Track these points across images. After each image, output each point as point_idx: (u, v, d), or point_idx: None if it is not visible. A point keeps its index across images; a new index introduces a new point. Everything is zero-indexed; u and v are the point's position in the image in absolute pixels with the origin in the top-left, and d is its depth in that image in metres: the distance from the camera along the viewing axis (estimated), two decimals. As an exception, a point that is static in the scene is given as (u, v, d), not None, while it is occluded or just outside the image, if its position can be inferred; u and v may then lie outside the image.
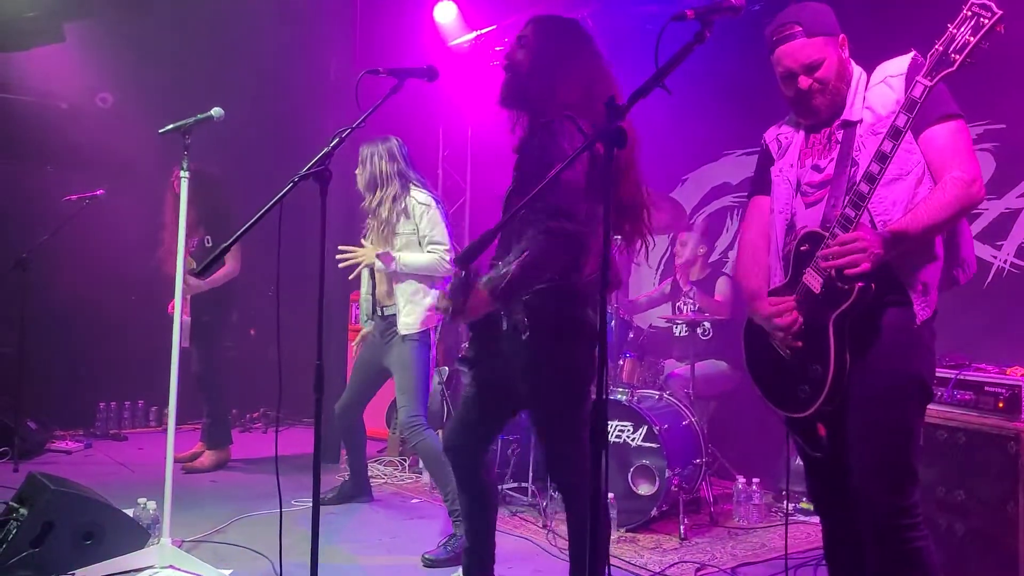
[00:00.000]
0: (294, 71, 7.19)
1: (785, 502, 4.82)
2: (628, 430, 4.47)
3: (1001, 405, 3.27)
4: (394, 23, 7.38)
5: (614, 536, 4.26)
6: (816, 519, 4.63)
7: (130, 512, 3.85)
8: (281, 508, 2.74)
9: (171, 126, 3.70)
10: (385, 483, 5.49)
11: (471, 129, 7.88)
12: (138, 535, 3.68)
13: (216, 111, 3.72)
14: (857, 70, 2.59)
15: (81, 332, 6.85)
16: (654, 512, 4.35)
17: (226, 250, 2.42)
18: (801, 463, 4.96)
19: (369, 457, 5.95)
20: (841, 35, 2.58)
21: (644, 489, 4.39)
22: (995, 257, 4.60)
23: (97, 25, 6.74)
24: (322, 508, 4.67)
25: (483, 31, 7.18)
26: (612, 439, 4.50)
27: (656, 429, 4.35)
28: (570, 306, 2.64)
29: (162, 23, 6.87)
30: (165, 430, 6.87)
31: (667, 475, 4.29)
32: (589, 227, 2.52)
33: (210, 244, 5.60)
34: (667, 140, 6.01)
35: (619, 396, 4.58)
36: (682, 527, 4.30)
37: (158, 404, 7.19)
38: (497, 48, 7.29)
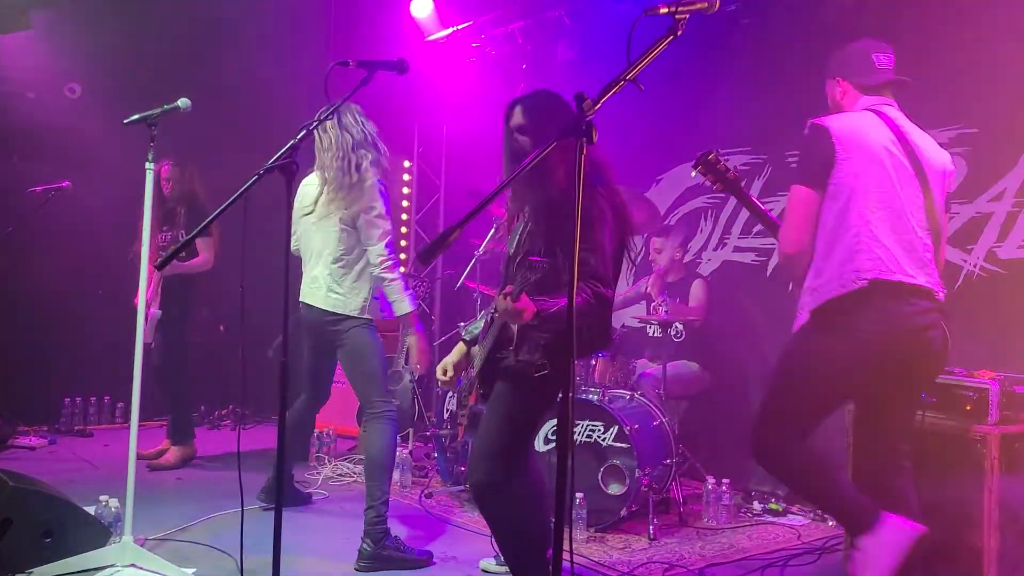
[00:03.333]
0: (269, 63, 7.12)
1: (755, 503, 4.88)
2: (599, 430, 4.45)
3: (969, 408, 3.28)
4: (370, 17, 7.34)
5: (583, 536, 4.25)
6: (783, 520, 4.68)
7: (92, 510, 3.78)
8: (243, 506, 2.70)
9: (136, 116, 3.62)
10: (355, 481, 5.43)
11: (446, 126, 7.84)
12: (99, 533, 3.60)
13: (183, 101, 3.66)
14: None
15: (47, 326, 6.73)
16: (624, 512, 4.34)
17: (187, 243, 2.37)
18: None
19: (340, 455, 5.93)
20: (835, 78, 3.03)
21: (614, 489, 4.37)
22: (965, 261, 4.62)
23: (66, 14, 6.63)
24: (288, 509, 4.64)
25: (459, 27, 7.15)
26: (583, 438, 4.48)
27: (627, 429, 4.33)
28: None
29: (132, 13, 6.78)
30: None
31: (637, 475, 4.27)
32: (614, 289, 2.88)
33: (182, 239, 5.56)
34: (642, 140, 6.02)
35: (591, 396, 4.56)
36: (651, 527, 4.29)
37: (125, 400, 7.09)
38: (473, 44, 7.27)
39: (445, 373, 3.29)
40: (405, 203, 8.03)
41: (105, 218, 6.25)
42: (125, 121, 3.65)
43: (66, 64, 6.79)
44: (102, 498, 3.89)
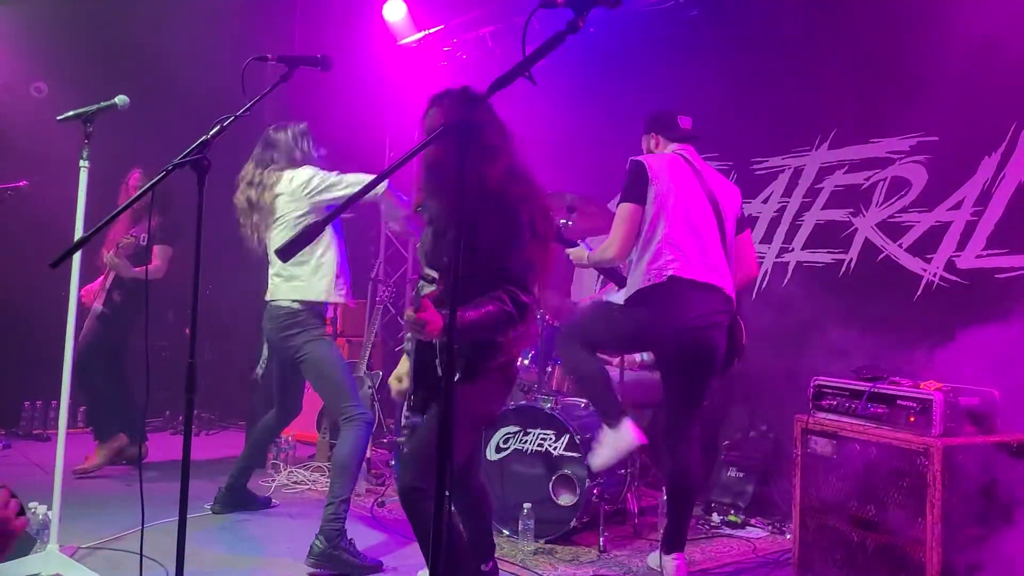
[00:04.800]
0: (235, 69, 7.04)
1: (713, 515, 4.81)
2: (550, 438, 4.36)
3: (912, 419, 3.21)
4: (341, 19, 7.27)
5: (531, 547, 4.16)
6: (741, 532, 4.60)
7: (21, 517, 3.68)
8: (143, 524, 2.63)
9: (71, 113, 3.55)
10: (309, 489, 5.33)
11: (418, 131, 7.74)
12: (24, 541, 3.50)
13: (120, 99, 3.58)
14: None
15: (5, 329, 6.63)
16: (574, 523, 4.23)
17: (85, 241, 2.29)
18: (729, 476, 4.97)
19: (298, 462, 5.83)
20: (650, 133, 4.00)
21: (565, 499, 4.28)
22: (924, 270, 4.55)
23: (29, 11, 6.55)
24: (235, 516, 4.57)
25: (431, 31, 7.09)
26: (534, 447, 4.40)
27: (578, 438, 4.25)
28: (495, 358, 2.83)
29: (96, 12, 6.69)
30: (92, 431, 6.59)
31: (588, 485, 4.18)
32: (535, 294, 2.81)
33: (144, 243, 5.47)
34: (605, 148, 5.93)
35: (543, 404, 4.47)
36: (601, 539, 4.20)
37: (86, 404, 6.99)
38: (445, 48, 7.21)
39: (400, 381, 3.30)
40: (377, 208, 7.95)
41: (63, 218, 6.16)
42: (59, 117, 3.58)
43: (32, 63, 6.70)
44: (31, 505, 3.77)
